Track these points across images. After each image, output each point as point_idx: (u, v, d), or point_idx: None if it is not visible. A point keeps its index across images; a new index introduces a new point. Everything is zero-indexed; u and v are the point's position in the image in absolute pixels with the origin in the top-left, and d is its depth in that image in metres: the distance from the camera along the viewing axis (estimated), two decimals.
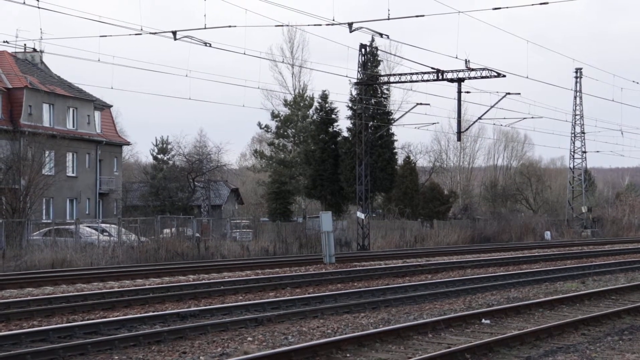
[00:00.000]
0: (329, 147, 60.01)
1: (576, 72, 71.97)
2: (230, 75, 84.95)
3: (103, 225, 42.73)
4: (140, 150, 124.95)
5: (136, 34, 27.00)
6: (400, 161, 64.97)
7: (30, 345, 13.07)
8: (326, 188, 59.37)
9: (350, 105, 56.96)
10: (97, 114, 59.08)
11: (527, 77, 34.73)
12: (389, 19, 26.14)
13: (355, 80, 44.90)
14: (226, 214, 67.43)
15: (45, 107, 53.54)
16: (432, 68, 40.68)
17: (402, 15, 28.77)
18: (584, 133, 74.85)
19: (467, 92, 44.61)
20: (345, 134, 60.57)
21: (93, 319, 15.89)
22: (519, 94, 43.16)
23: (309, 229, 46.15)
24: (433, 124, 47.06)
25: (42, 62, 58.42)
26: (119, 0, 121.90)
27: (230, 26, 27.33)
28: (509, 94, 42.34)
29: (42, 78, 55.43)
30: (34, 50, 56.39)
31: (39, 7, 23.29)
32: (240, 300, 19.55)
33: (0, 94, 50.32)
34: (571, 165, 76.66)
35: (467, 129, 51.43)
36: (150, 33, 27.08)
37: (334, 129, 61.26)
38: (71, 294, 20.50)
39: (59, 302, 18.50)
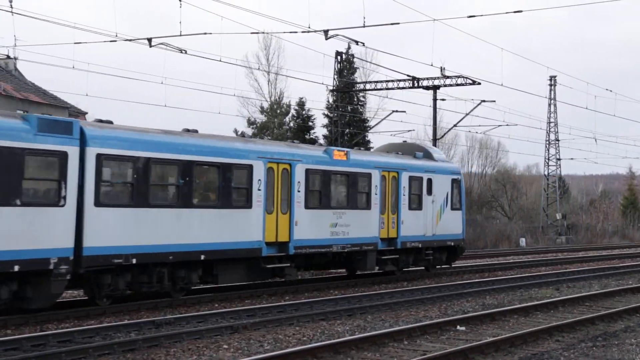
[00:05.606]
0: None
1: (550, 80, 72.56)
2: (206, 82, 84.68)
3: None
4: None
5: (111, 41, 26.97)
6: None
7: (2, 354, 12.95)
8: None
9: (326, 112, 57.11)
10: None
11: (502, 85, 35.03)
12: (364, 26, 26.28)
13: (332, 88, 45.00)
14: None
15: None
16: (408, 75, 40.94)
17: (377, 23, 28.87)
18: (558, 140, 75.39)
19: (443, 100, 44.95)
20: (322, 141, 60.65)
21: (67, 328, 15.78)
22: (494, 101, 43.64)
23: None
24: (409, 131, 47.46)
25: (16, 69, 58.00)
26: (94, 7, 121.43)
27: (206, 33, 27.36)
28: (484, 101, 42.70)
29: (16, 85, 55.06)
30: (8, 57, 55.94)
31: (12, 13, 23.19)
32: (216, 308, 19.49)
33: None
34: (546, 173, 77.17)
35: (442, 136, 51.71)
36: (126, 40, 27.05)
37: (311, 136, 61.34)
38: None
39: (32, 310, 18.31)
